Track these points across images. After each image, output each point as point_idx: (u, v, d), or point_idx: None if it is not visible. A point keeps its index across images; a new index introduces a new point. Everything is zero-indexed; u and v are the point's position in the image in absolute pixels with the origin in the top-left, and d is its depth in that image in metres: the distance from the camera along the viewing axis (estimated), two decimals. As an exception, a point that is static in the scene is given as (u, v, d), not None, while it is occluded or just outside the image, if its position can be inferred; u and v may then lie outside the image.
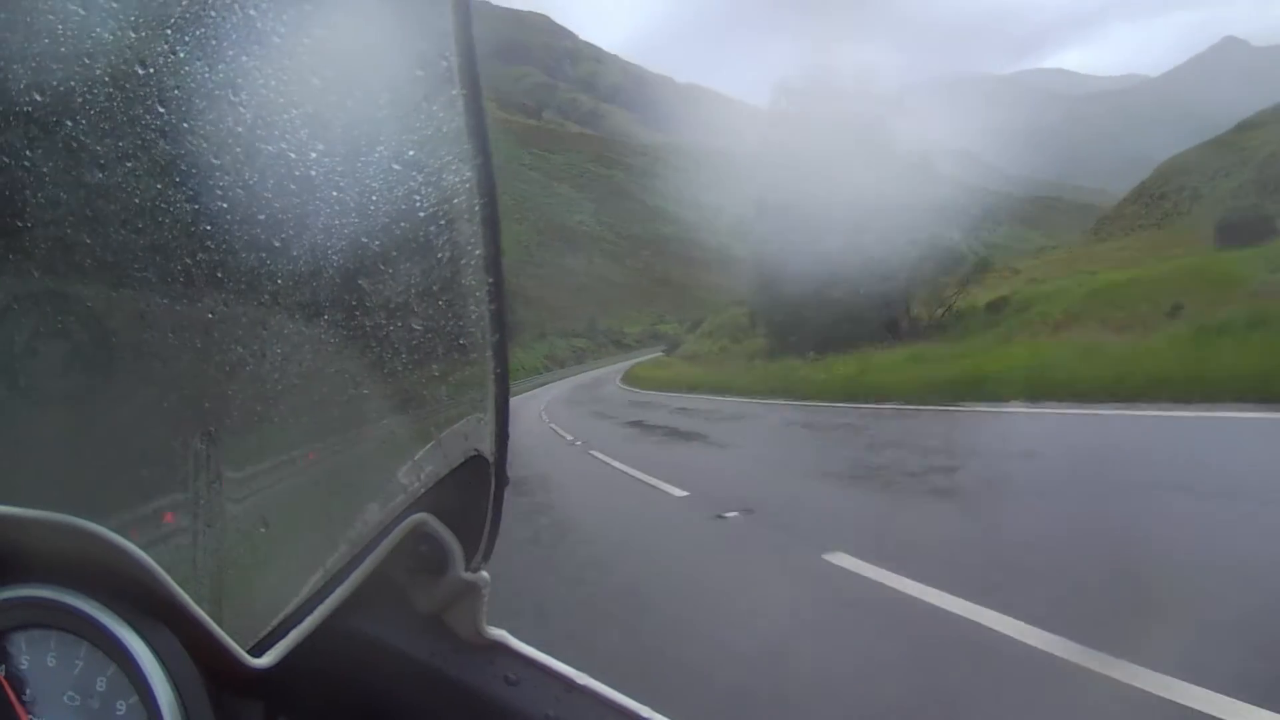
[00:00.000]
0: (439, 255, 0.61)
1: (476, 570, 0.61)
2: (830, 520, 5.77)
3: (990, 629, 3.22)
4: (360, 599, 0.60)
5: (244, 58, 0.63)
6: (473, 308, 0.60)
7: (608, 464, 9.83)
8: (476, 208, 0.56)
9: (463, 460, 0.61)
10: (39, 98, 0.71)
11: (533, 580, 4.85)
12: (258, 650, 0.57)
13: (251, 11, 0.61)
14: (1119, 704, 2.58)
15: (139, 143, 0.70)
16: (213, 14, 0.64)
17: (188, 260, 0.70)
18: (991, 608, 3.39)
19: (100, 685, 0.55)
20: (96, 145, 0.70)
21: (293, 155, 0.64)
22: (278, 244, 0.67)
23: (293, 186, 0.65)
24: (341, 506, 0.73)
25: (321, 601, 0.59)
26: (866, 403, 13.28)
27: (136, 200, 0.70)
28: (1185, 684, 2.56)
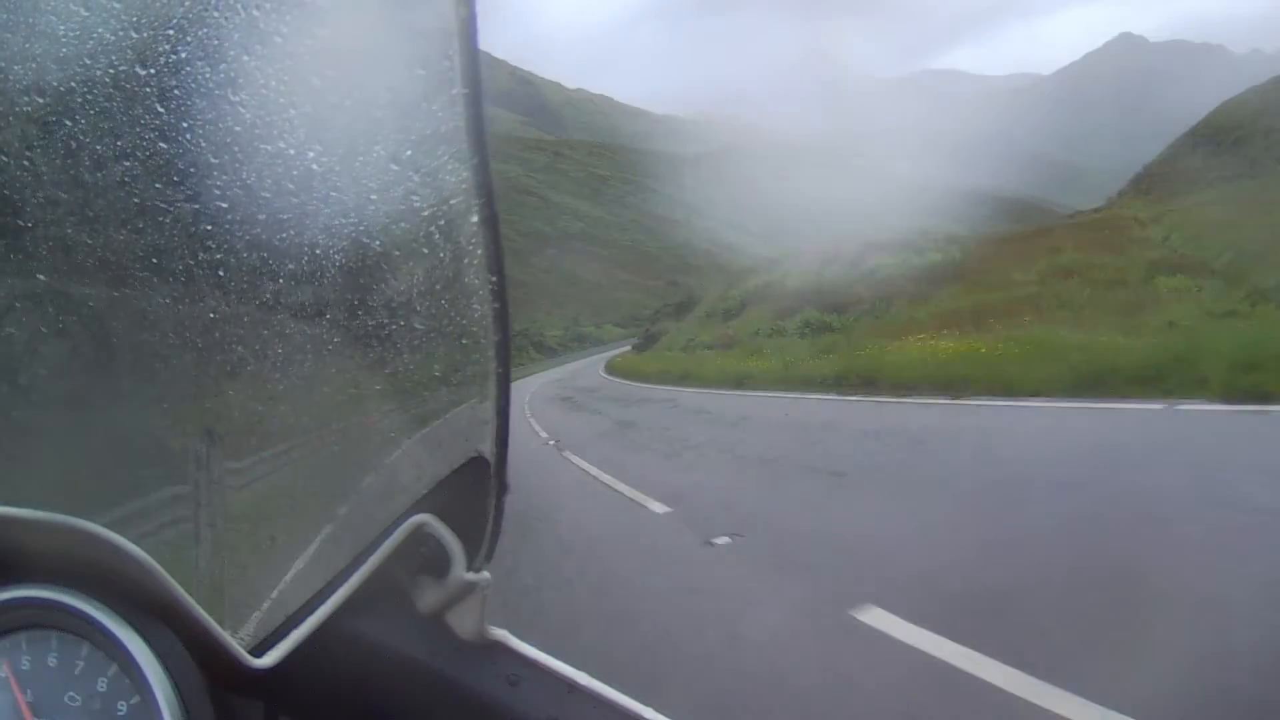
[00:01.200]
0: (440, 254, 0.60)
1: (478, 571, 0.61)
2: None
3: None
4: (362, 600, 0.60)
5: (245, 58, 0.63)
6: (475, 307, 0.60)
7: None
8: (476, 207, 0.55)
9: (464, 461, 0.61)
10: (40, 98, 0.71)
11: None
12: (259, 651, 0.57)
13: (253, 12, 0.61)
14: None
15: (139, 143, 0.69)
16: (214, 15, 0.63)
17: (188, 260, 0.70)
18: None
19: (101, 686, 0.55)
20: (97, 145, 0.70)
21: (292, 155, 0.64)
22: (278, 244, 0.66)
23: (292, 186, 0.64)
24: (343, 507, 0.73)
25: (323, 602, 0.59)
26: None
27: (137, 200, 0.70)
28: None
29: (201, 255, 0.70)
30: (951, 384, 10.86)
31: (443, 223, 0.59)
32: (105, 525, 0.54)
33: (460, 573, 0.60)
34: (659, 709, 0.57)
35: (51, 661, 0.55)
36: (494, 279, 0.56)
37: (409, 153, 0.59)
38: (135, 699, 0.54)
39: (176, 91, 0.67)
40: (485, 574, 0.62)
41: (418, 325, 0.64)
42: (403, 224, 0.61)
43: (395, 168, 0.59)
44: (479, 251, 0.57)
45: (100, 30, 0.68)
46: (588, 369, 35.34)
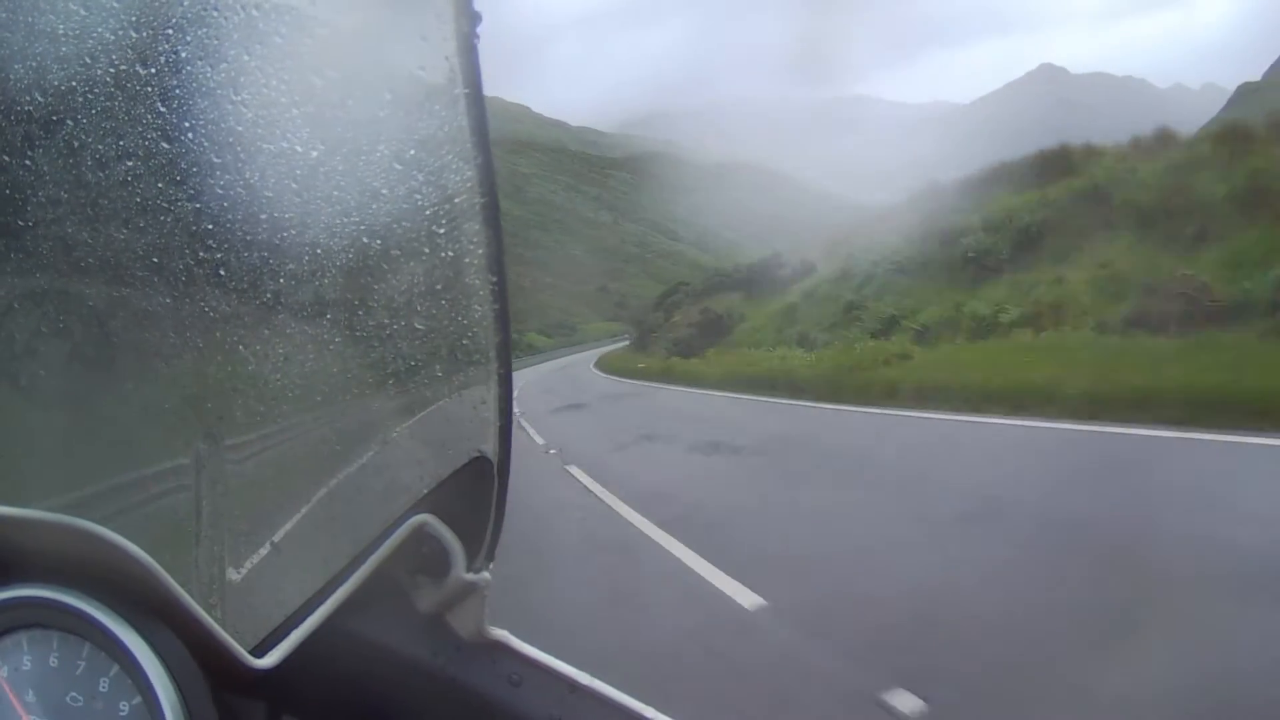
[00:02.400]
0: (442, 254, 0.60)
1: (478, 571, 0.61)
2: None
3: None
4: (362, 599, 0.60)
5: (245, 57, 0.63)
6: (476, 307, 0.60)
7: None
8: (478, 207, 0.55)
9: (465, 461, 0.61)
10: (40, 97, 0.71)
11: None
12: (260, 651, 0.57)
13: (254, 11, 0.61)
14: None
15: (141, 142, 0.69)
16: (215, 14, 0.63)
17: (189, 259, 0.70)
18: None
19: (103, 686, 0.55)
20: (98, 144, 0.70)
21: (294, 154, 0.64)
22: (279, 243, 0.66)
23: (294, 185, 0.64)
24: (344, 507, 0.73)
25: (324, 602, 0.59)
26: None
27: (138, 199, 0.70)
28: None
29: (203, 254, 0.70)
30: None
31: (445, 222, 0.59)
32: (105, 525, 0.54)
33: (461, 573, 0.60)
34: (660, 709, 0.57)
35: (53, 662, 0.55)
36: (494, 279, 0.56)
37: (412, 152, 0.59)
38: (137, 699, 0.54)
39: (178, 91, 0.67)
40: (486, 574, 0.62)
41: (419, 325, 0.64)
42: (405, 223, 0.61)
43: (399, 167, 0.59)
44: (480, 251, 0.57)
45: (101, 29, 0.68)
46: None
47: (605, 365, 35.78)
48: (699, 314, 31.06)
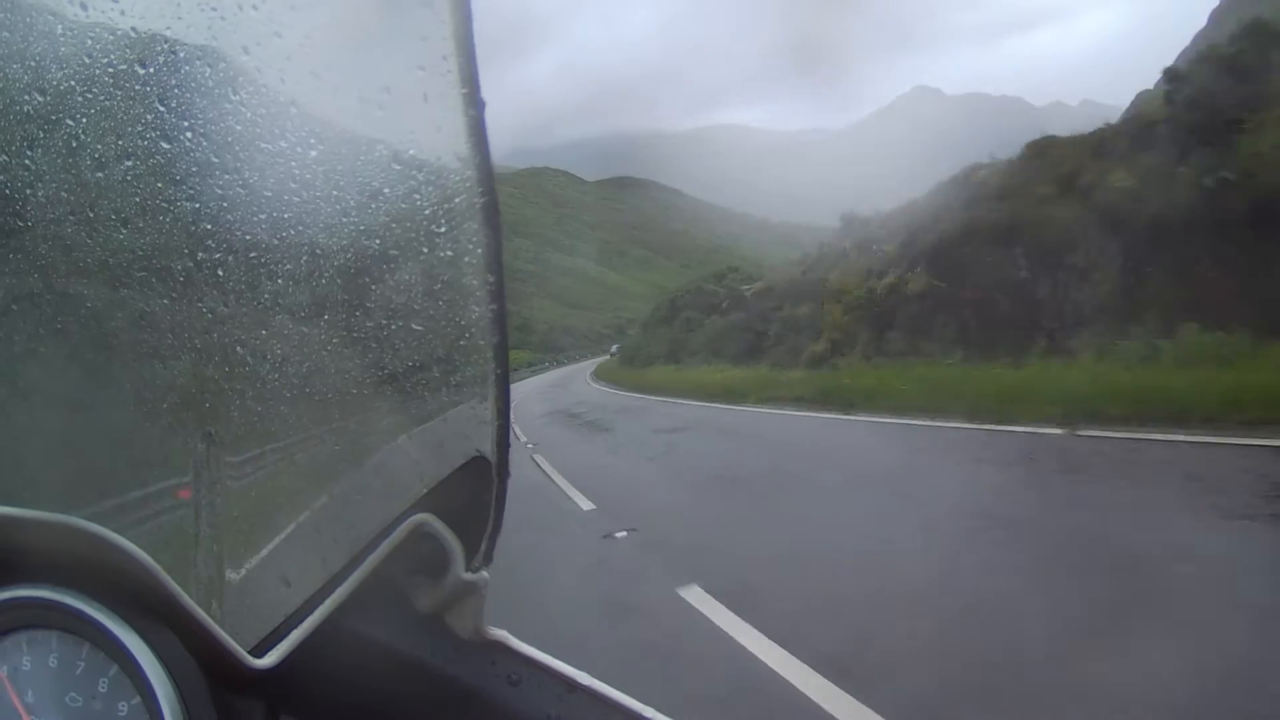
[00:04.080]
0: (440, 255, 0.60)
1: (476, 570, 0.61)
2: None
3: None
4: (362, 599, 0.60)
5: (244, 57, 0.63)
6: (474, 308, 0.59)
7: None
8: (477, 207, 0.55)
9: (464, 461, 0.61)
10: (40, 97, 0.71)
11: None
12: (259, 651, 0.57)
13: (252, 11, 0.61)
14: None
15: (140, 142, 0.69)
16: (213, 14, 0.63)
17: (188, 260, 0.70)
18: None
19: (102, 686, 0.55)
20: (97, 144, 0.70)
21: (293, 154, 0.64)
22: (278, 243, 0.66)
23: (293, 185, 0.64)
24: (342, 507, 0.73)
25: (323, 602, 0.59)
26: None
27: (137, 200, 0.70)
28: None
29: (201, 255, 0.70)
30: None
31: (443, 222, 0.59)
32: (105, 525, 0.54)
33: (459, 572, 0.60)
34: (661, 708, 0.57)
35: (52, 662, 0.55)
36: (492, 279, 0.56)
37: (411, 152, 0.59)
38: (136, 700, 0.54)
39: (177, 91, 0.67)
40: (484, 574, 0.62)
41: (417, 326, 0.64)
42: (405, 223, 0.61)
43: (397, 167, 0.59)
44: (478, 251, 0.57)
45: (100, 29, 0.68)
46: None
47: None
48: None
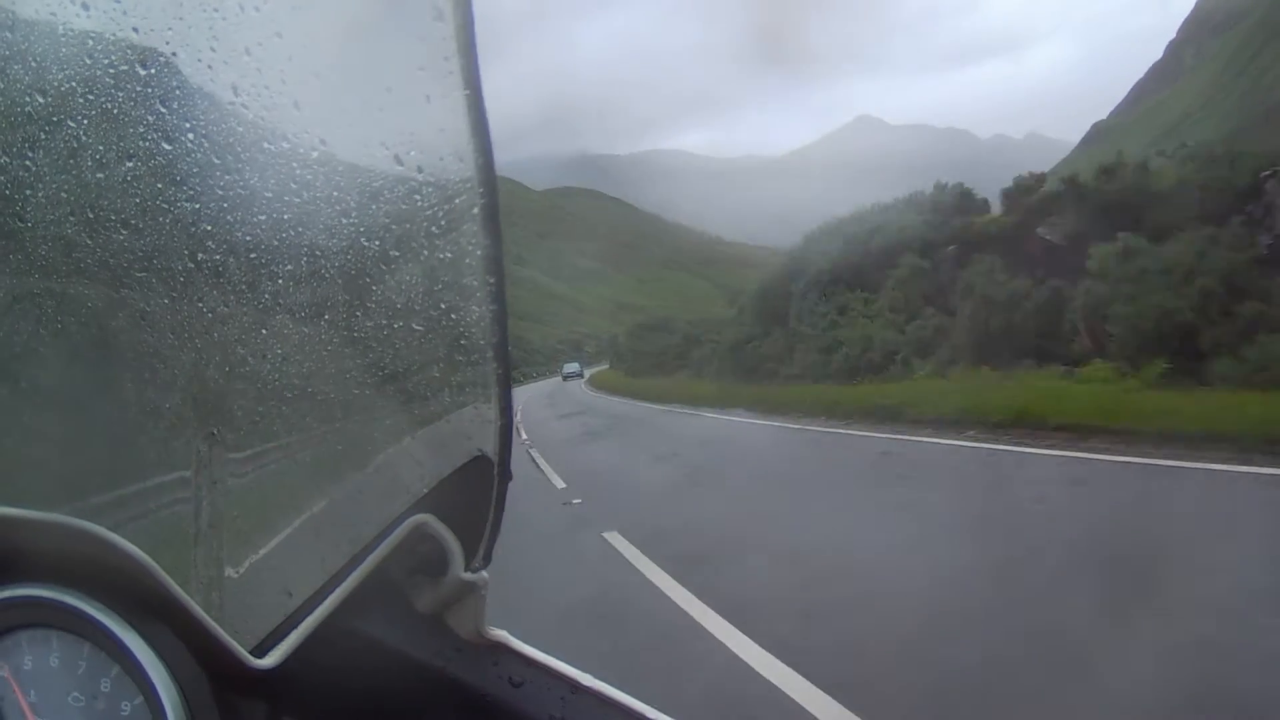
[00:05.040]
0: (440, 255, 0.60)
1: (476, 571, 0.61)
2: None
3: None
4: (362, 599, 0.60)
5: (246, 58, 0.63)
6: (474, 308, 0.60)
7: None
8: (477, 208, 0.55)
9: (465, 461, 0.61)
10: (40, 98, 0.71)
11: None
12: (260, 651, 0.57)
13: (253, 12, 0.61)
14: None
15: (140, 143, 0.70)
16: (215, 14, 0.63)
17: (189, 260, 0.70)
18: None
19: (104, 686, 0.55)
20: (98, 145, 0.70)
21: (294, 155, 0.64)
22: (278, 244, 0.66)
23: (294, 186, 0.64)
24: (343, 507, 0.73)
25: (323, 602, 0.59)
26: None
27: (138, 200, 0.70)
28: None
29: (202, 256, 0.70)
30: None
31: (444, 223, 0.59)
32: (105, 525, 0.54)
33: (459, 572, 0.60)
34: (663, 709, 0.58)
35: (54, 662, 0.55)
36: (492, 280, 0.56)
37: (412, 153, 0.59)
38: (138, 699, 0.54)
39: (178, 91, 0.67)
40: (483, 574, 0.62)
41: (417, 326, 0.64)
42: (405, 224, 0.61)
43: (399, 168, 0.59)
44: (478, 253, 0.57)
45: (101, 30, 0.68)
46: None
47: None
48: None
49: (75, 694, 0.55)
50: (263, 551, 0.73)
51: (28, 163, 0.71)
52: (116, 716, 0.54)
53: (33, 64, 0.70)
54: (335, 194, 0.64)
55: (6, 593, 0.56)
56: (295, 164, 0.64)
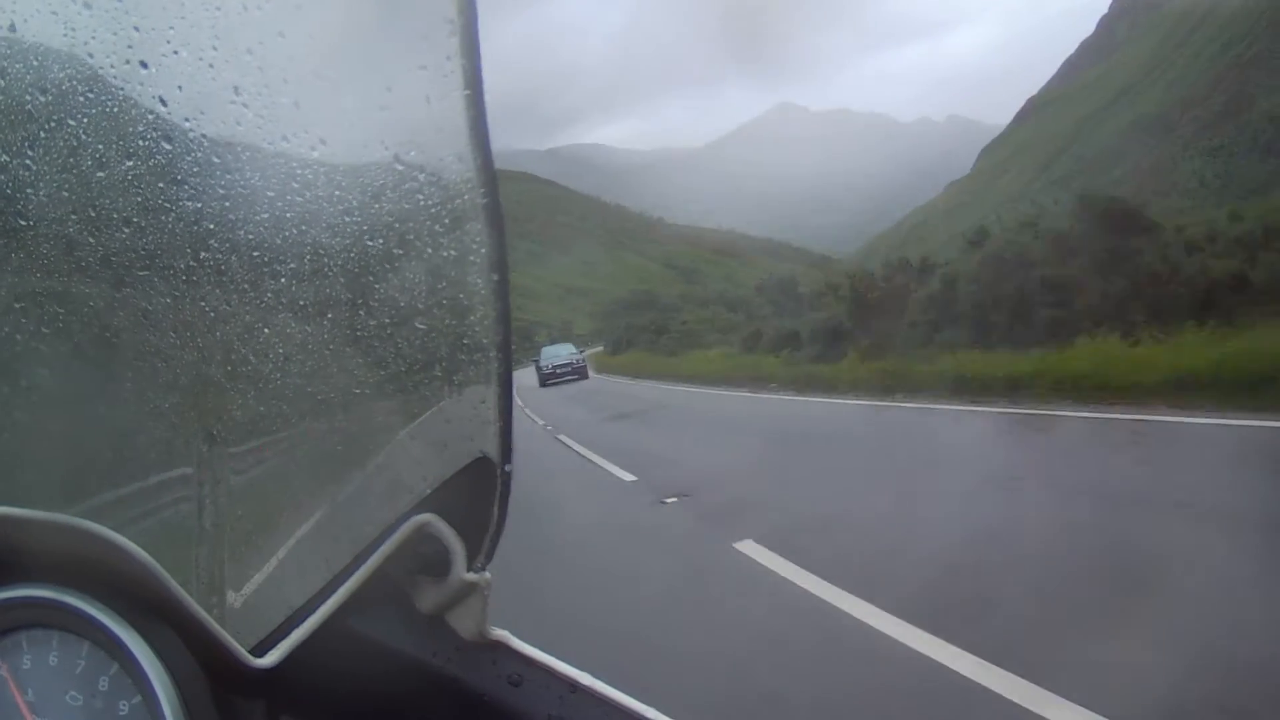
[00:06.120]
0: (443, 254, 0.60)
1: (479, 571, 0.61)
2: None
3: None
4: (363, 599, 0.60)
5: (247, 57, 0.63)
6: (478, 307, 0.59)
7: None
8: (480, 206, 0.55)
9: (467, 461, 0.61)
10: (41, 97, 0.71)
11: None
12: (260, 650, 0.57)
13: (255, 11, 0.61)
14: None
15: (141, 142, 0.69)
16: (216, 13, 0.63)
17: (190, 259, 0.70)
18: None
19: (103, 685, 0.54)
20: (98, 144, 0.70)
21: (295, 154, 0.64)
22: (280, 243, 0.66)
23: (295, 185, 0.64)
24: (345, 507, 0.73)
25: (324, 601, 0.59)
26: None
27: (139, 199, 0.70)
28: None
29: (203, 255, 0.70)
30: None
31: (447, 222, 0.59)
32: (106, 524, 0.54)
33: (461, 573, 0.60)
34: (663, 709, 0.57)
35: (52, 661, 0.55)
36: (496, 279, 0.56)
37: (413, 152, 0.59)
38: (136, 699, 0.54)
39: (179, 90, 0.67)
40: (486, 574, 0.61)
41: (420, 325, 0.64)
42: (407, 223, 0.61)
43: (400, 167, 0.59)
44: (482, 251, 0.57)
45: (102, 29, 0.68)
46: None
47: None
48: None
49: (73, 693, 0.55)
50: (264, 551, 0.73)
51: (28, 161, 0.71)
52: (115, 715, 0.54)
53: (33, 62, 0.70)
54: (337, 193, 0.64)
55: (6, 593, 0.56)
56: (296, 163, 0.64)
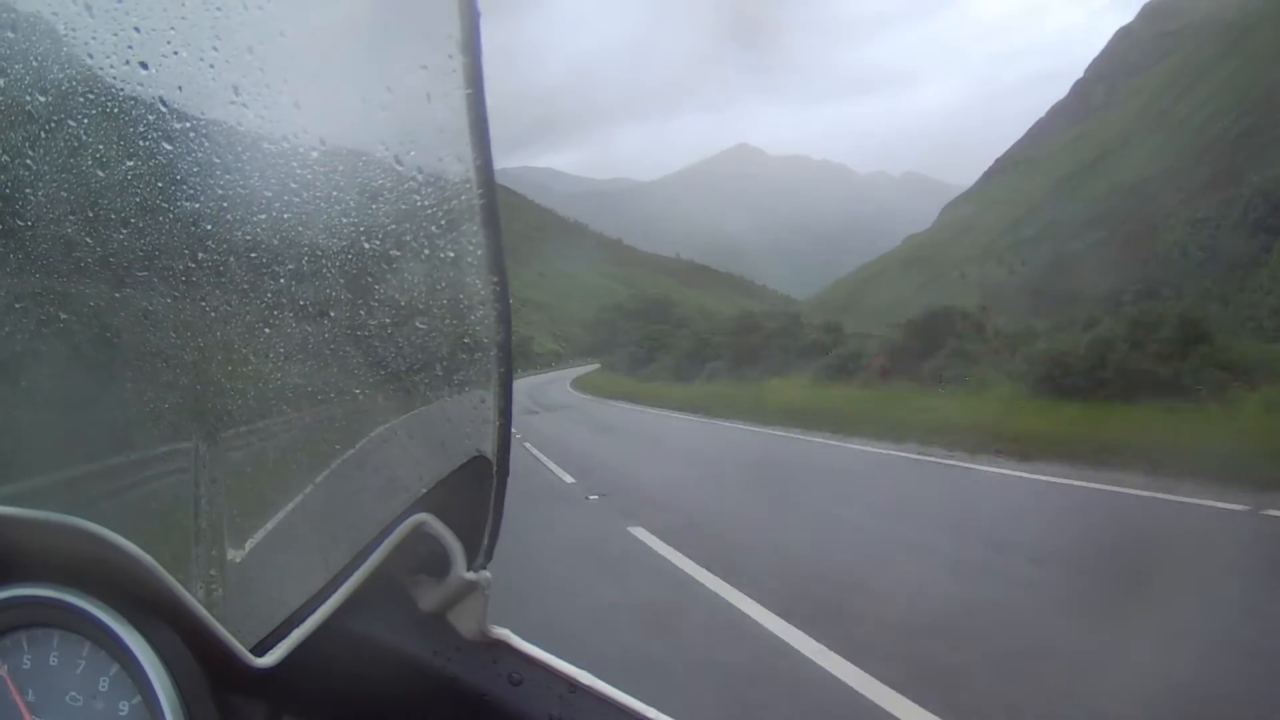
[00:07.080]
0: (442, 255, 0.60)
1: (478, 570, 0.61)
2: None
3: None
4: (362, 599, 0.60)
5: (247, 57, 0.63)
6: (477, 307, 0.59)
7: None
8: (478, 207, 0.55)
9: (465, 460, 0.61)
10: (41, 97, 0.71)
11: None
12: (260, 650, 0.57)
13: (256, 11, 0.61)
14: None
15: (141, 142, 0.69)
16: (216, 13, 0.63)
17: (190, 259, 0.70)
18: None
19: (103, 685, 0.54)
20: (98, 144, 0.70)
21: (294, 154, 0.64)
22: (279, 243, 0.66)
23: (294, 185, 0.64)
24: (343, 506, 0.73)
25: (324, 601, 0.59)
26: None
27: (139, 199, 0.70)
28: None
29: (203, 255, 0.70)
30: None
31: (445, 223, 0.59)
32: (106, 524, 0.54)
33: (460, 572, 0.60)
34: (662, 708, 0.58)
35: (53, 661, 0.55)
36: (495, 279, 0.56)
37: (412, 153, 0.59)
38: (136, 699, 0.54)
39: (179, 90, 0.67)
40: (486, 573, 0.61)
41: (419, 325, 0.64)
42: (406, 224, 0.61)
43: (399, 168, 0.59)
44: (480, 252, 0.57)
45: (102, 29, 0.68)
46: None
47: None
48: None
49: (73, 693, 0.55)
50: (264, 550, 0.73)
51: (28, 161, 0.71)
52: (115, 715, 0.54)
53: (34, 63, 0.70)
54: (336, 193, 0.64)
55: (6, 593, 0.56)
56: (295, 163, 0.64)
